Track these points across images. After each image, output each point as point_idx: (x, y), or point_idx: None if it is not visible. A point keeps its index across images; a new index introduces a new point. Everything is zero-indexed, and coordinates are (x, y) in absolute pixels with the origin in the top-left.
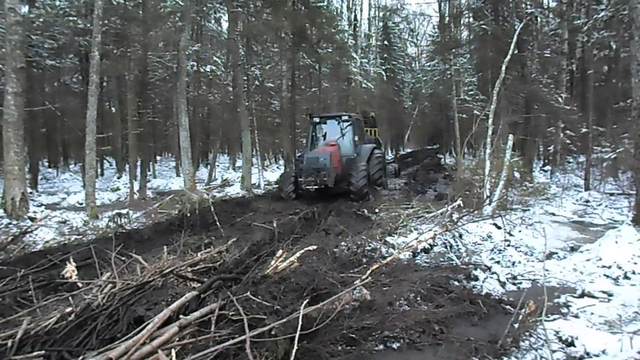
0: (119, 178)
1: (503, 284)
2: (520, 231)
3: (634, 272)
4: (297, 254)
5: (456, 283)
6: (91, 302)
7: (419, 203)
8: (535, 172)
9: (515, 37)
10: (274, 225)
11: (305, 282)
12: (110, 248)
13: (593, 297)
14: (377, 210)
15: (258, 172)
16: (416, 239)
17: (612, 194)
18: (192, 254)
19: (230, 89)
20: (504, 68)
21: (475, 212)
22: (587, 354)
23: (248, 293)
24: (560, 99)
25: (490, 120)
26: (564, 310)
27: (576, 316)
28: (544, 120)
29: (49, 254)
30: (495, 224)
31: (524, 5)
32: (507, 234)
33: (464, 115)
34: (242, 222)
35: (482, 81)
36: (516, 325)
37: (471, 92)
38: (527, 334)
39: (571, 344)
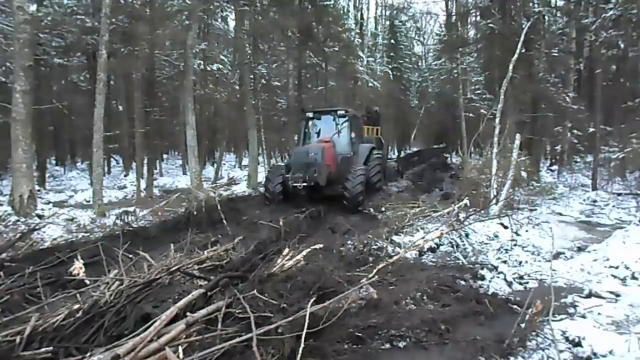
0: (126, 176)
1: (510, 284)
2: (527, 231)
3: None
4: (304, 253)
5: (463, 282)
6: (99, 299)
7: (426, 202)
8: (543, 172)
9: (522, 36)
10: (281, 223)
11: (311, 281)
12: (118, 245)
13: (600, 297)
14: (383, 209)
15: (264, 171)
16: (423, 238)
17: (619, 194)
18: (199, 252)
19: (237, 87)
20: (511, 67)
21: (482, 211)
22: (594, 354)
23: (254, 291)
24: (567, 98)
25: (497, 120)
26: (571, 310)
27: (583, 316)
28: (551, 119)
29: (57, 251)
30: (502, 224)
31: (531, 4)
32: (514, 234)
33: (471, 115)
34: (248, 220)
35: (489, 80)
36: (523, 325)
37: (478, 91)
38: (534, 333)
39: (578, 344)
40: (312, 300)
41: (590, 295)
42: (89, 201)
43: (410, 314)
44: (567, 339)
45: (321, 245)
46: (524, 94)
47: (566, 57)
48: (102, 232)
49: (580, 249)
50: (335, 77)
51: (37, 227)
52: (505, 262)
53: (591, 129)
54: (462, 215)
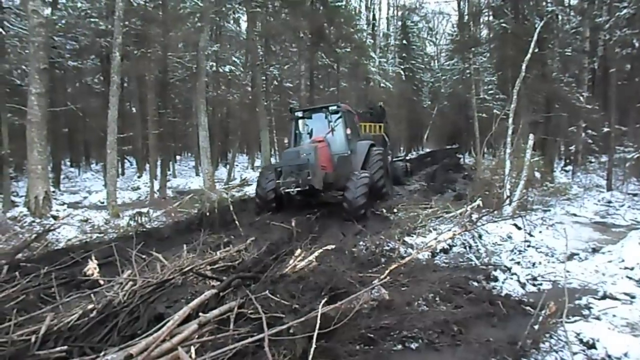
0: (139, 177)
1: (523, 285)
2: (540, 232)
3: None
4: (316, 253)
5: (475, 284)
6: (112, 299)
7: (438, 203)
8: (556, 172)
9: (535, 36)
10: (293, 224)
11: (323, 282)
12: (131, 246)
13: (615, 299)
14: (395, 210)
15: None
16: (435, 239)
17: (635, 195)
18: (212, 252)
19: (249, 88)
20: (524, 67)
21: (495, 212)
22: (609, 356)
23: (267, 292)
24: (581, 97)
25: (510, 120)
26: (585, 312)
27: (598, 318)
28: (565, 119)
29: (72, 251)
30: (515, 225)
31: (544, 3)
32: (528, 235)
33: (484, 115)
34: (260, 221)
35: (502, 80)
36: (536, 327)
37: (491, 91)
38: (547, 335)
39: (592, 346)
40: (323, 301)
41: (604, 296)
42: (103, 202)
43: (422, 315)
44: (581, 341)
45: (333, 246)
46: (538, 93)
47: (580, 57)
48: (116, 233)
49: (594, 250)
50: (347, 78)
51: (52, 227)
52: (518, 263)
53: (606, 129)
54: (475, 216)
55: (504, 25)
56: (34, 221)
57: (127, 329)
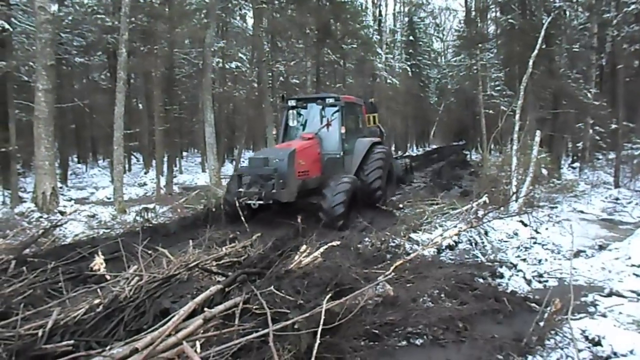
0: (145, 173)
1: (529, 282)
2: (547, 229)
3: None
4: (321, 249)
5: (481, 280)
6: (119, 294)
7: (444, 199)
8: (564, 169)
9: (543, 32)
10: (298, 220)
11: (328, 277)
12: (137, 242)
13: (621, 296)
14: (401, 206)
15: None
16: (441, 235)
17: None
18: (217, 248)
19: (255, 85)
20: (531, 63)
21: (501, 209)
22: (615, 353)
23: (272, 287)
24: (589, 94)
25: (517, 116)
26: (591, 309)
27: (604, 315)
28: (572, 116)
29: (78, 247)
30: (521, 221)
31: None
32: (534, 232)
33: (491, 111)
34: (266, 217)
35: (509, 76)
36: (542, 324)
37: (498, 88)
38: (552, 332)
39: (598, 344)
40: (328, 297)
41: (611, 294)
42: (109, 198)
43: (427, 312)
44: (586, 338)
45: (338, 242)
46: (545, 90)
47: (587, 53)
48: (123, 229)
49: (601, 247)
50: (353, 74)
51: (59, 223)
52: (524, 260)
53: (613, 126)
54: (481, 213)
55: (511, 21)
56: (41, 217)
57: (133, 324)
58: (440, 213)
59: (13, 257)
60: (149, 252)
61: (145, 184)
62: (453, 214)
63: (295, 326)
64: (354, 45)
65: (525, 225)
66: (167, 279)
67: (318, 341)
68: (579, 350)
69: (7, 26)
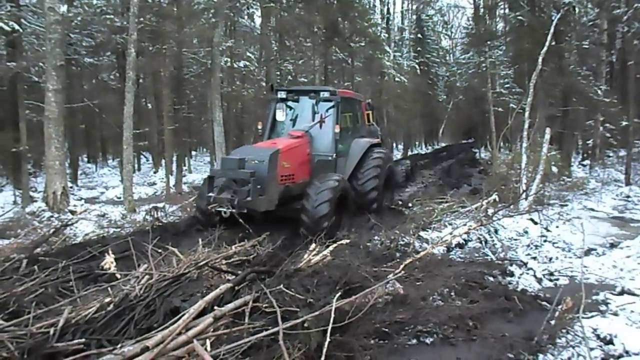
0: (155, 173)
1: (539, 280)
2: (557, 227)
3: None
4: (330, 248)
5: (491, 279)
6: (129, 292)
7: (454, 197)
8: (574, 167)
9: (552, 28)
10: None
11: (338, 276)
12: (147, 241)
13: (633, 294)
14: (410, 205)
15: None
16: (450, 233)
17: None
18: (227, 247)
19: (264, 84)
20: (540, 60)
21: (511, 206)
22: (627, 352)
23: (281, 286)
24: (599, 91)
25: (526, 114)
26: (603, 307)
27: (615, 314)
28: (582, 113)
29: (89, 246)
30: (532, 219)
31: None
32: (544, 230)
33: (500, 109)
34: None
35: (518, 74)
36: (553, 322)
37: (507, 85)
38: (563, 331)
39: (610, 342)
40: (338, 295)
41: (622, 292)
42: (119, 197)
43: (437, 310)
44: (598, 336)
45: (348, 241)
46: (554, 87)
47: (597, 49)
48: (133, 228)
49: (612, 246)
50: (361, 73)
51: (70, 222)
52: (534, 258)
53: (624, 123)
54: (490, 211)
55: (520, 17)
56: (52, 216)
57: (143, 322)
58: (450, 211)
59: (25, 256)
60: (159, 250)
61: (154, 183)
62: (462, 212)
63: (305, 324)
64: (362, 44)
65: (536, 223)
66: (177, 278)
67: (328, 339)
68: (591, 349)
69: (17, 27)
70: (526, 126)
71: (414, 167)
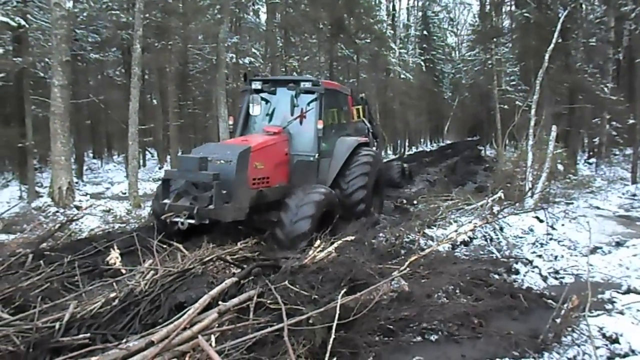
0: (160, 168)
1: (545, 278)
2: (563, 225)
3: None
4: (335, 244)
5: (496, 276)
6: (134, 288)
7: (459, 195)
8: (580, 165)
9: (559, 25)
10: None
11: (343, 273)
12: (152, 236)
13: (639, 293)
14: (415, 202)
15: None
16: (456, 231)
17: None
18: (232, 243)
19: None
20: (547, 57)
21: (517, 204)
22: (632, 351)
23: (286, 282)
24: (606, 89)
25: (532, 111)
26: (609, 306)
27: (621, 312)
28: (589, 111)
29: (94, 241)
30: (537, 217)
31: None
32: (550, 228)
33: (506, 106)
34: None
35: (524, 71)
36: (558, 320)
37: (513, 83)
38: (569, 329)
39: (615, 341)
40: (343, 292)
41: (628, 291)
42: (125, 193)
43: (442, 308)
44: (604, 335)
45: (353, 237)
46: (561, 84)
47: (604, 47)
48: (138, 223)
49: (618, 244)
50: (367, 69)
51: (76, 217)
52: (540, 256)
53: (631, 121)
54: (496, 208)
55: (526, 15)
56: (57, 211)
57: (148, 317)
58: (455, 209)
59: (30, 251)
60: (164, 246)
61: (160, 179)
62: (468, 210)
63: (310, 321)
64: (368, 40)
65: (541, 221)
66: (182, 273)
67: (333, 336)
68: (596, 348)
69: (23, 23)
70: (532, 124)
71: (406, 170)
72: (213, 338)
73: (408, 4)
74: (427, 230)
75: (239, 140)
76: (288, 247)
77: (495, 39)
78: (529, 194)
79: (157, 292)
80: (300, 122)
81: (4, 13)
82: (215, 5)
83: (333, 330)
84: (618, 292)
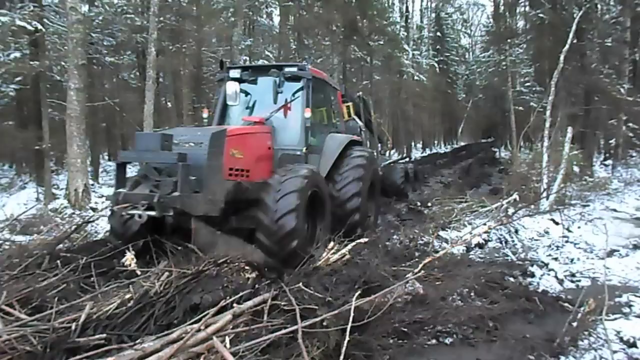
0: None
1: (561, 282)
2: (579, 227)
3: None
4: (349, 246)
5: (511, 279)
6: (149, 289)
7: (473, 197)
8: (596, 167)
9: (574, 26)
10: None
11: (356, 275)
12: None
13: None
14: (429, 204)
15: None
16: (470, 233)
17: None
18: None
19: None
20: (562, 58)
21: (532, 206)
22: None
23: (300, 284)
24: (622, 89)
25: (547, 113)
26: (626, 309)
27: (639, 316)
28: (604, 112)
29: (110, 242)
30: (553, 220)
31: None
32: (566, 230)
33: (520, 108)
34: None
35: (539, 72)
36: (575, 324)
37: (527, 84)
38: (586, 333)
39: (633, 345)
40: (357, 294)
41: None
42: None
43: (457, 310)
44: (621, 339)
45: (366, 239)
46: (576, 85)
47: (620, 47)
48: None
49: (636, 247)
50: (380, 71)
51: (91, 219)
52: (556, 259)
53: None
54: (511, 211)
55: (541, 15)
56: (73, 213)
57: (163, 319)
58: (470, 211)
59: (47, 252)
60: (179, 248)
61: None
62: (482, 212)
63: (324, 323)
64: (381, 42)
65: (557, 223)
66: (197, 275)
67: (347, 339)
68: (614, 352)
69: (40, 27)
70: (547, 125)
71: (410, 172)
72: (227, 340)
73: (421, 5)
74: (441, 233)
75: (196, 127)
76: (277, 253)
77: (509, 40)
78: (544, 195)
79: (172, 293)
80: (285, 115)
81: (21, 17)
82: (229, 8)
83: (347, 333)
84: (635, 296)
